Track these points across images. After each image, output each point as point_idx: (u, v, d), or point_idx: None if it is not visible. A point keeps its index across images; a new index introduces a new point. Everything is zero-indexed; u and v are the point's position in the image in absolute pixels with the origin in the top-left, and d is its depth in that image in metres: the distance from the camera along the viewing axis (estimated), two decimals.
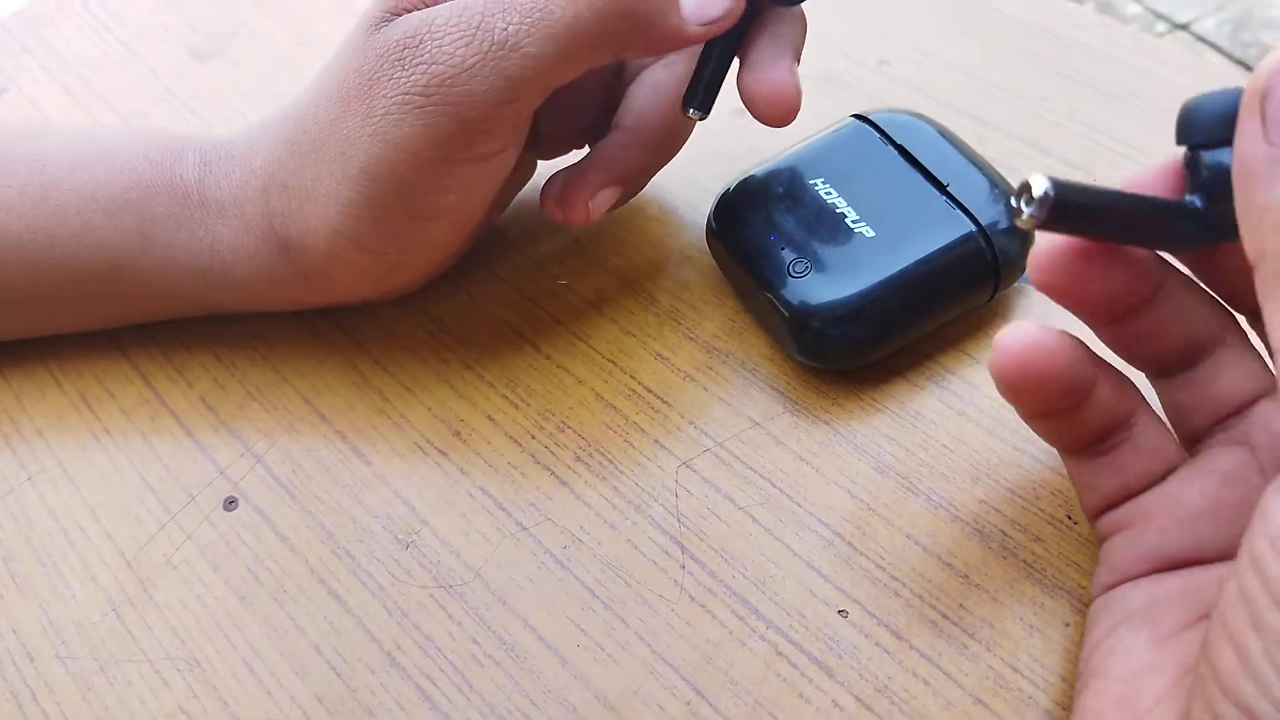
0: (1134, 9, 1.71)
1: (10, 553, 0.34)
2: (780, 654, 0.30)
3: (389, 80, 0.30)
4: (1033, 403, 0.27)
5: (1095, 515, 0.29)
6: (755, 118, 0.33)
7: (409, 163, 0.30)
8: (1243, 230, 0.22)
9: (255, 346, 0.38)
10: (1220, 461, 0.26)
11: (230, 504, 0.34)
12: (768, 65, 0.33)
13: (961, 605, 0.30)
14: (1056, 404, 0.27)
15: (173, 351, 0.39)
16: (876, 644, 0.29)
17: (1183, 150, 0.25)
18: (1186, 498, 0.27)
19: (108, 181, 0.35)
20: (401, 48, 0.30)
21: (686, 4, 0.31)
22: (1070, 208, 0.23)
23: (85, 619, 0.32)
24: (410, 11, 0.31)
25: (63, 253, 0.35)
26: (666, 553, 0.32)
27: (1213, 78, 0.43)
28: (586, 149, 0.38)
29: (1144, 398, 0.28)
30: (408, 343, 0.38)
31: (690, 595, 0.31)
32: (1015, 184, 0.35)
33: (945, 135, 0.37)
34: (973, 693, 0.28)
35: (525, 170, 0.40)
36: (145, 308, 0.38)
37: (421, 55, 0.30)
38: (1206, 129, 0.24)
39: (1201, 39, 1.64)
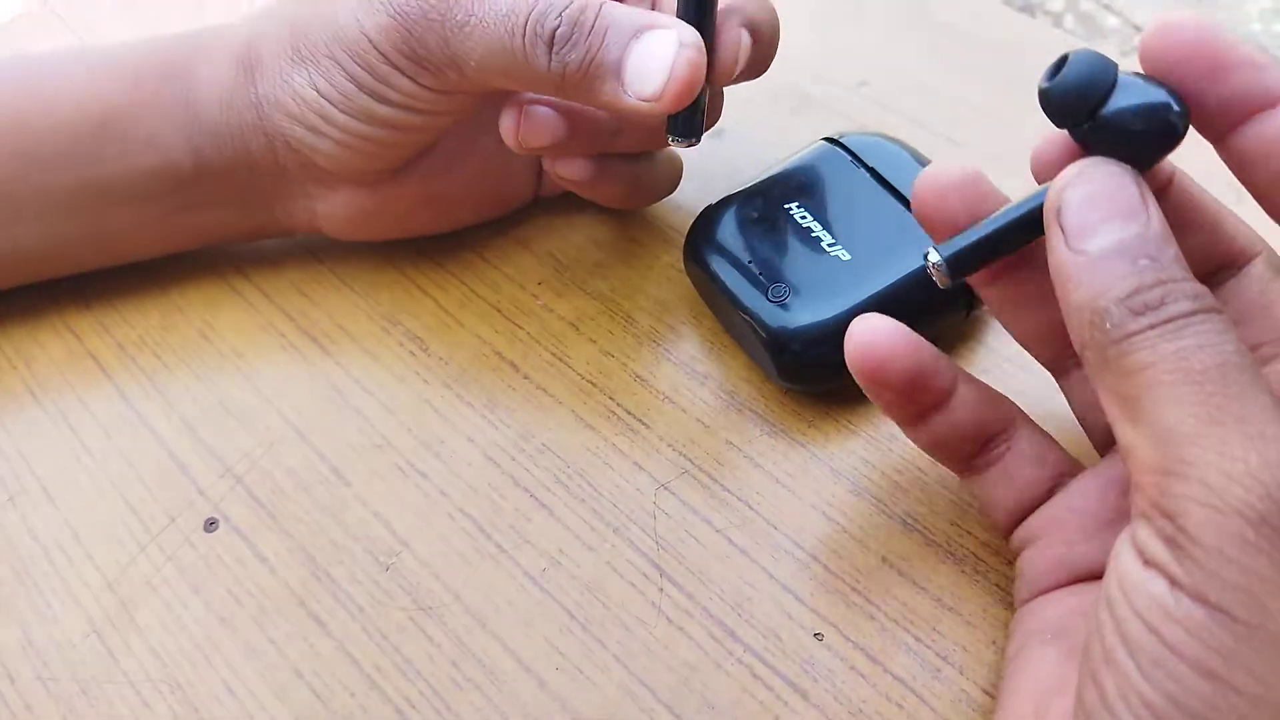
0: (1112, 21, 1.73)
1: None
2: (756, 677, 0.30)
3: None
4: (883, 394, 0.29)
5: (1006, 532, 0.30)
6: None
7: (361, 43, 0.34)
8: (1068, 327, 0.24)
9: (235, 365, 0.39)
10: (1120, 468, 0.27)
11: (211, 525, 0.35)
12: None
13: (935, 629, 0.30)
14: (905, 397, 0.29)
15: (153, 371, 0.39)
16: (851, 667, 0.30)
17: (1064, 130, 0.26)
18: (1089, 506, 0.28)
19: (133, 52, 0.38)
20: None
21: (630, 70, 0.32)
22: (965, 259, 0.27)
23: (66, 640, 0.33)
24: None
25: (59, 111, 0.37)
26: (644, 575, 0.32)
27: None
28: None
29: (1020, 410, 0.29)
30: (388, 362, 0.38)
31: (668, 618, 0.31)
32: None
33: (916, 156, 0.37)
34: (945, 716, 0.29)
35: (522, 190, 0.41)
36: (119, 182, 0.38)
37: None
38: (1084, 100, 0.25)
39: None
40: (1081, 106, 0.25)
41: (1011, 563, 0.31)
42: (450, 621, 0.32)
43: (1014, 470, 0.29)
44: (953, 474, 0.33)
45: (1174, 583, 0.21)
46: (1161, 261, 0.23)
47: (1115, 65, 0.25)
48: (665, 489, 0.34)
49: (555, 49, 0.31)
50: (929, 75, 0.46)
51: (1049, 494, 0.29)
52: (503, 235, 0.42)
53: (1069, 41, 0.48)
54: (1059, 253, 0.24)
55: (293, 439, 0.36)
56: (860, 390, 0.35)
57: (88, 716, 0.31)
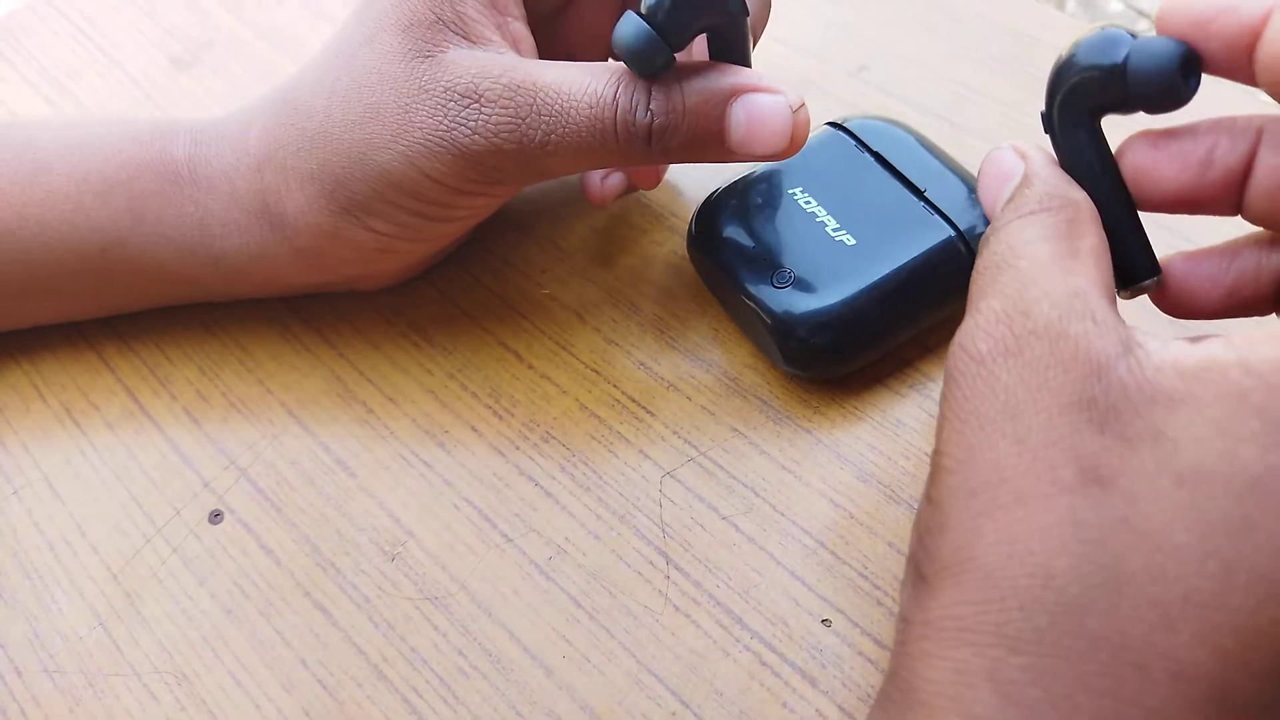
0: (1116, 6, 1.72)
1: None
2: (764, 664, 0.30)
3: (429, 117, 0.31)
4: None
5: None
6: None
7: (429, 186, 0.32)
8: None
9: (239, 358, 0.38)
10: None
11: (215, 517, 0.34)
12: None
13: None
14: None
15: (156, 364, 0.39)
16: (860, 653, 0.30)
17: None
18: None
19: (99, 164, 0.36)
20: (448, 97, 0.31)
21: (735, 133, 0.31)
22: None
23: (72, 633, 0.33)
24: (451, 46, 0.32)
25: (54, 237, 0.35)
26: (651, 563, 0.32)
27: None
28: None
29: None
30: (391, 353, 0.38)
31: (675, 605, 0.31)
32: None
33: (921, 140, 0.37)
34: None
35: None
36: (134, 290, 0.38)
37: (468, 119, 0.31)
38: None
39: None
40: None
41: None
42: (456, 611, 0.32)
43: None
44: None
45: None
46: (1017, 199, 0.26)
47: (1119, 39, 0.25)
48: (671, 476, 0.34)
49: (654, 140, 0.31)
50: (929, 59, 0.45)
51: None
52: (505, 224, 0.41)
53: (1070, 24, 0.47)
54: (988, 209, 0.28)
55: (297, 431, 0.36)
56: (866, 376, 0.35)
57: (94, 709, 0.31)
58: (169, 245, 0.36)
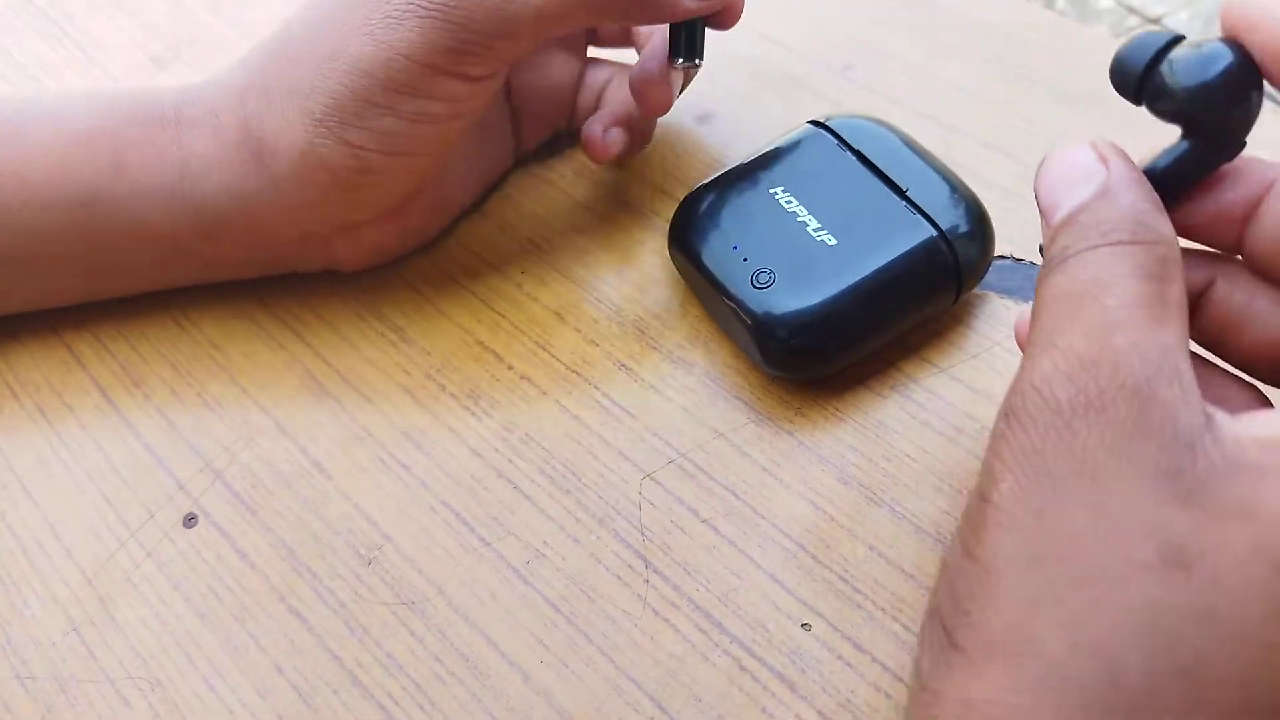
0: (1106, 3, 1.72)
1: None
2: (744, 669, 0.30)
3: None
4: None
5: None
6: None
7: (399, 64, 0.32)
8: None
9: (213, 357, 0.38)
10: None
11: (190, 520, 0.34)
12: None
13: None
14: None
15: (129, 363, 0.38)
16: (839, 657, 0.29)
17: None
18: None
19: (83, 115, 0.36)
20: None
21: None
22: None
23: (45, 638, 0.32)
24: None
25: (34, 195, 0.35)
26: (630, 566, 0.32)
27: None
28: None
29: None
30: (368, 352, 0.38)
31: (654, 610, 0.31)
32: (975, 187, 0.35)
33: (903, 139, 0.37)
34: None
35: (504, 157, 0.41)
36: (115, 254, 0.37)
37: None
38: (1125, 74, 0.25)
39: None
40: (1126, 81, 0.25)
41: None
42: (433, 615, 0.31)
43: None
44: (942, 460, 0.33)
45: None
46: (1099, 213, 0.24)
47: (1168, 38, 0.25)
48: (651, 479, 0.33)
49: None
50: (915, 58, 0.45)
51: None
52: (484, 222, 0.41)
53: (1059, 23, 0.47)
54: (1043, 232, 0.26)
55: (272, 431, 0.36)
56: (847, 377, 0.35)
57: (66, 716, 0.31)
58: (149, 198, 0.35)
